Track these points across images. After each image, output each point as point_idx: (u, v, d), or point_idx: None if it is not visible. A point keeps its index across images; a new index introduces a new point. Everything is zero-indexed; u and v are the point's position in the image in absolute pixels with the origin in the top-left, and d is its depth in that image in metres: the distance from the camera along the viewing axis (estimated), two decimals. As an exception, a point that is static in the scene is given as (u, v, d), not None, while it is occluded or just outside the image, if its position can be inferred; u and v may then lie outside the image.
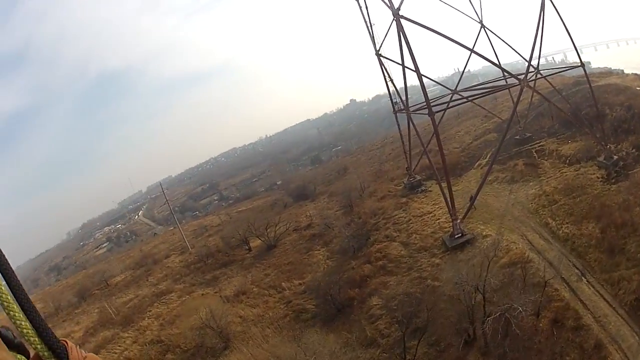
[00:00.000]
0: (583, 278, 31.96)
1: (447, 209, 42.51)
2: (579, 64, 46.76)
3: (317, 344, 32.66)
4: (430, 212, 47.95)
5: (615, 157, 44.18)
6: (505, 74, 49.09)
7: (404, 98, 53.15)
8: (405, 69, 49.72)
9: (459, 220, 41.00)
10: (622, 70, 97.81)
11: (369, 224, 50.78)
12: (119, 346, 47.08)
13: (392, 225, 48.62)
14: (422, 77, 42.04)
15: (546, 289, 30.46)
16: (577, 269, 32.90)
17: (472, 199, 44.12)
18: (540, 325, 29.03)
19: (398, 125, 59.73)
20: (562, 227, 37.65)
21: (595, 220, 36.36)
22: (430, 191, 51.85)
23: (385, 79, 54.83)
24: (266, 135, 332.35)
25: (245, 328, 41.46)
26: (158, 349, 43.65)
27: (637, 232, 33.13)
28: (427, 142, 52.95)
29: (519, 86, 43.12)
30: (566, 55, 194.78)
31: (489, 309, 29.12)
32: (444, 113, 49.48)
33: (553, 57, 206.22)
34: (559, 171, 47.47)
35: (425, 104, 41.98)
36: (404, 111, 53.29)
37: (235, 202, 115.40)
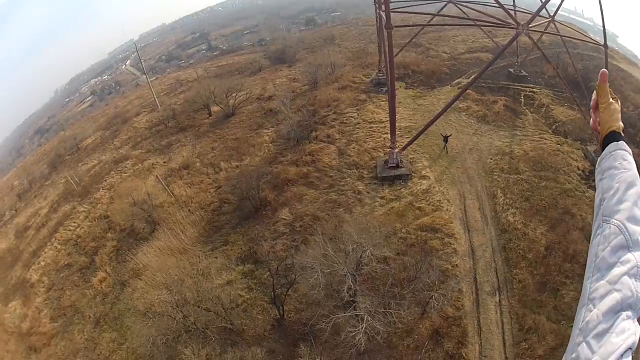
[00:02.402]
0: (496, 294, 22.08)
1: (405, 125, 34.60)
2: (602, 44, 33.35)
3: (206, 256, 30.36)
4: (382, 122, 38.04)
5: (608, 158, 31.70)
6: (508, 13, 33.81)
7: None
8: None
9: (397, 150, 31.17)
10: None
11: (319, 115, 42.51)
12: (74, 222, 44.92)
13: (338, 124, 40.03)
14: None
15: (449, 285, 21.74)
16: (497, 277, 22.91)
17: (445, 138, 33.24)
18: (420, 327, 20.80)
19: (376, 16, 44.63)
20: (509, 209, 26.65)
21: (548, 225, 25.23)
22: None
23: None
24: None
25: (173, 212, 37.36)
26: (103, 226, 41.15)
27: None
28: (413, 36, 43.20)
29: (516, 31, 28.97)
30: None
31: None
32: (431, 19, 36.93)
33: (576, 7, 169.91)
34: (539, 134, 34.99)
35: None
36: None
37: (220, 55, 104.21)
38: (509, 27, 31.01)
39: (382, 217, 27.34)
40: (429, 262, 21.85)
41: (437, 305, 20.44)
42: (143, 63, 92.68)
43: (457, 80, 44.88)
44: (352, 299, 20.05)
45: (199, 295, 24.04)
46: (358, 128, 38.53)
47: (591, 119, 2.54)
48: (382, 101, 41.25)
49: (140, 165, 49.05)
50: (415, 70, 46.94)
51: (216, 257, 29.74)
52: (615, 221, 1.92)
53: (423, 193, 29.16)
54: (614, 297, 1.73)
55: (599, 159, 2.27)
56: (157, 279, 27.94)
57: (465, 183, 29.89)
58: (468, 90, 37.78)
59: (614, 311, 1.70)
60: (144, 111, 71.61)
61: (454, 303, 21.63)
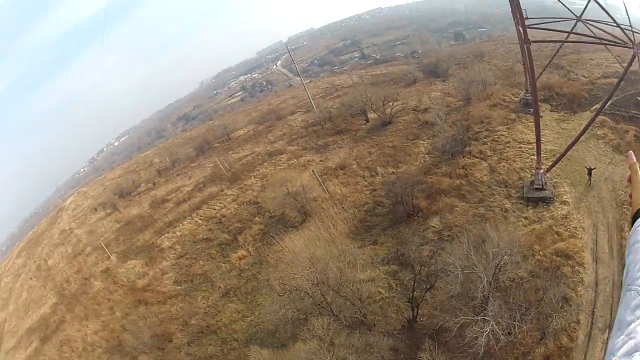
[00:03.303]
0: (606, 332, 21.47)
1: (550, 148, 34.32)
2: None
3: (357, 249, 30.03)
4: (530, 143, 38.09)
5: None
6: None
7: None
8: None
9: (542, 171, 31.86)
10: None
11: (472, 131, 43.63)
12: (220, 203, 47.80)
13: (490, 141, 41.05)
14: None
15: (570, 314, 22.17)
16: (611, 314, 22.30)
17: (589, 171, 32.26)
18: (535, 352, 21.78)
19: (517, 33, 45.21)
20: (630, 245, 26.33)
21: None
22: (541, 117, 37.80)
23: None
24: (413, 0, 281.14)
25: (326, 207, 39.25)
26: (251, 211, 43.41)
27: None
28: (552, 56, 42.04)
29: (632, 50, 26.53)
30: None
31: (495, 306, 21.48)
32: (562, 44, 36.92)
33: None
34: (669, 168, 32.53)
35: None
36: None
37: (373, 64, 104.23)
38: (623, 47, 28.78)
39: (523, 237, 27.79)
40: (557, 287, 22.08)
41: (557, 327, 20.81)
42: (296, 64, 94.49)
43: (595, 107, 41.39)
44: (483, 304, 21.48)
45: (341, 280, 24.67)
46: (508, 147, 39.13)
47: (628, 192, 2.70)
48: (530, 122, 40.58)
49: (295, 160, 51.06)
50: (558, 92, 45.60)
51: (364, 254, 30.79)
52: (635, 287, 1.93)
53: (562, 218, 29.50)
54: (629, 344, 1.73)
55: (629, 234, 2.34)
56: (301, 261, 27.94)
57: (599, 213, 29.52)
58: (605, 118, 37.05)
59: (629, 353, 1.69)
60: (299, 111, 73.31)
61: (570, 333, 21.95)
